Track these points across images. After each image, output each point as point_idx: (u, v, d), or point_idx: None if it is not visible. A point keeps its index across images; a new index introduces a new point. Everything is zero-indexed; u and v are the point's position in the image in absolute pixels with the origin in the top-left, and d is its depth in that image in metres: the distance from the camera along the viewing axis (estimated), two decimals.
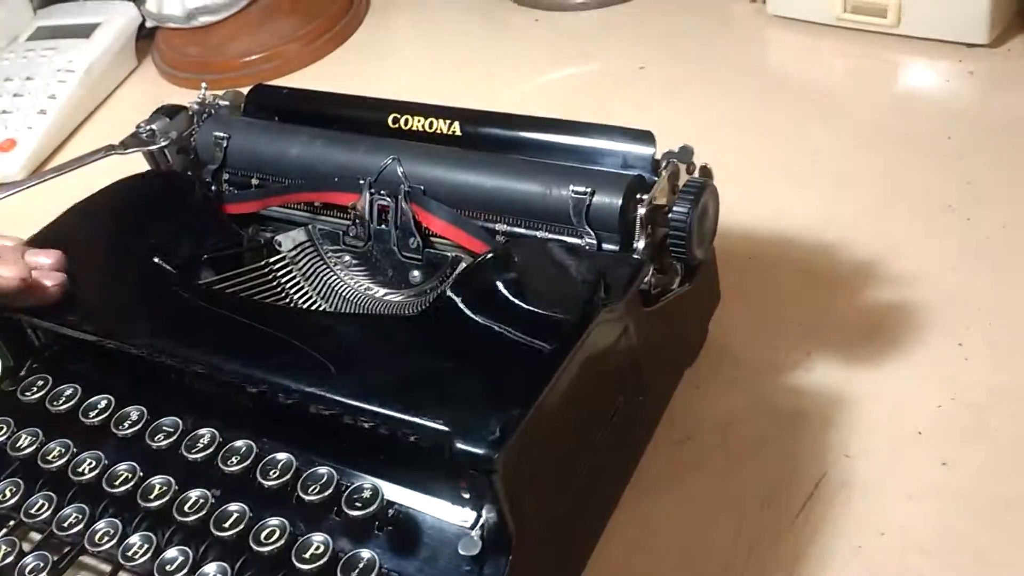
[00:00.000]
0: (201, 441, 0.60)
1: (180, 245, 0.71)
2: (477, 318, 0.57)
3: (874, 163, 0.89)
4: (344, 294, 0.71)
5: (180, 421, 0.62)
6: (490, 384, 0.53)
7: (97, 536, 0.61)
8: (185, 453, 0.60)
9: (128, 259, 0.70)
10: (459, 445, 0.49)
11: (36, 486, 0.65)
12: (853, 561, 0.60)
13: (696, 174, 0.66)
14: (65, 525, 0.62)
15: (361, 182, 0.69)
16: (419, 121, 0.71)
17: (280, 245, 0.73)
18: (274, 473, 0.57)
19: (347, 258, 0.72)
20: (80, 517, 0.62)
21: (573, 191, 0.63)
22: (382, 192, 0.68)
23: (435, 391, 0.54)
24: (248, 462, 0.58)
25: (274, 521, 0.56)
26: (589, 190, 0.62)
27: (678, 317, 0.67)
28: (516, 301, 0.57)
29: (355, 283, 0.71)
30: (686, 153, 0.65)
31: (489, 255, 0.62)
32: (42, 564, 0.61)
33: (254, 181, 0.75)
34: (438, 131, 0.71)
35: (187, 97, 0.83)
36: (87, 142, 1.20)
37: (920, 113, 0.94)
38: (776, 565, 0.60)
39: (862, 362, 0.72)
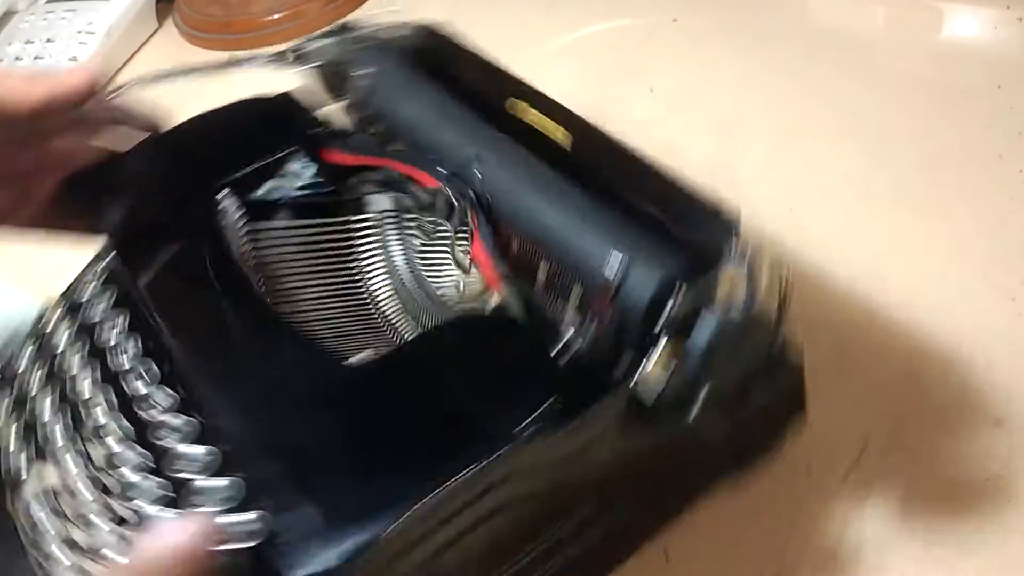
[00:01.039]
0: None
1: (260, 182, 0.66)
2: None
3: (919, 115, 0.86)
4: (402, 277, 0.67)
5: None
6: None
7: None
8: None
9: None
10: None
11: None
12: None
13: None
14: None
15: (440, 170, 0.62)
16: (534, 115, 0.62)
17: (366, 207, 0.69)
18: None
19: (416, 242, 0.68)
20: None
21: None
22: (458, 189, 0.60)
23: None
24: None
25: None
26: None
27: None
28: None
29: (410, 267, 0.67)
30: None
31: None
32: None
33: (371, 130, 0.69)
34: (547, 133, 0.61)
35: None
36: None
37: (966, 63, 0.91)
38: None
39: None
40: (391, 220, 0.67)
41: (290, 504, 0.45)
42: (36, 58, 1.17)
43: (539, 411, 0.45)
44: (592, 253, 0.51)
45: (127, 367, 0.57)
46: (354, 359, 0.57)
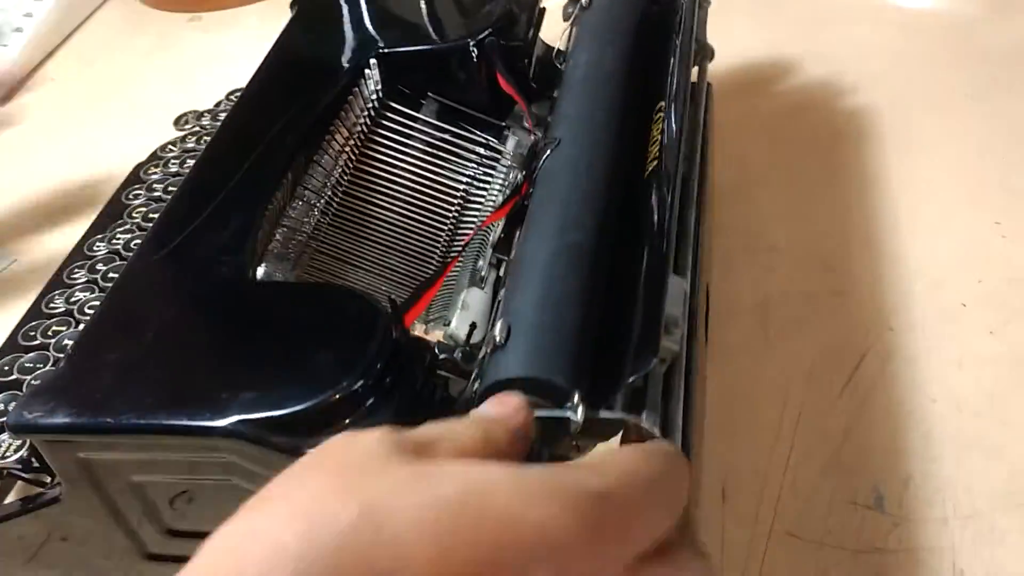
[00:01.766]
0: None
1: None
2: None
3: None
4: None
5: None
6: None
7: None
8: None
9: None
10: None
11: None
12: (904, 427, 0.58)
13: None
14: None
15: (537, 134, 0.61)
16: (658, 130, 0.56)
17: (506, 139, 0.69)
18: None
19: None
20: None
21: None
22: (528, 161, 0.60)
23: None
24: None
25: None
26: None
27: None
28: None
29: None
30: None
31: None
32: None
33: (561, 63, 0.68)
34: (646, 155, 0.56)
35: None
36: (65, 64, 1.16)
37: None
38: (826, 435, 0.58)
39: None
40: (507, 163, 0.67)
41: None
42: None
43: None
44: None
45: None
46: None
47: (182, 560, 0.54)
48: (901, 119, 0.82)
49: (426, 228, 0.68)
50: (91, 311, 0.62)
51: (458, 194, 0.69)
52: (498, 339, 0.46)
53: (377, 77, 0.69)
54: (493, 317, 0.52)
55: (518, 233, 0.56)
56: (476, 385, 0.46)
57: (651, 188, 0.52)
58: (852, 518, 0.56)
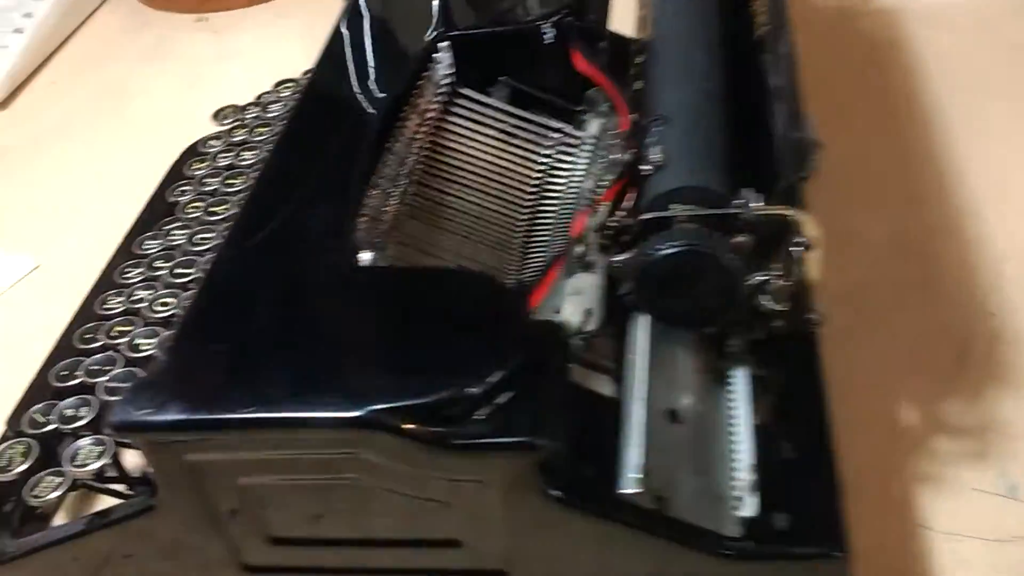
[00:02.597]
0: None
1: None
2: None
3: None
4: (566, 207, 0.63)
5: None
6: None
7: None
8: None
9: None
10: None
11: None
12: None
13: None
14: None
15: (633, 116, 0.58)
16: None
17: (583, 124, 0.65)
18: None
19: (592, 182, 0.63)
20: None
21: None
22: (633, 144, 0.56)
23: None
24: None
25: None
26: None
27: None
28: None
29: (576, 201, 0.63)
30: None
31: None
32: None
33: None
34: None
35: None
36: (66, 65, 1.11)
37: None
38: (942, 424, 0.57)
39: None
40: (589, 148, 0.64)
41: None
42: None
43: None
44: None
45: None
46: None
47: (282, 571, 0.51)
48: (973, 106, 0.81)
49: (503, 216, 0.65)
50: (163, 309, 0.58)
51: (534, 181, 0.65)
52: (656, 160, 0.50)
53: (448, 61, 0.66)
54: (643, 191, 0.51)
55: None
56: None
57: (764, 46, 0.58)
58: (985, 507, 0.53)
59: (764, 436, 0.48)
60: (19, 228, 0.88)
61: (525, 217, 0.66)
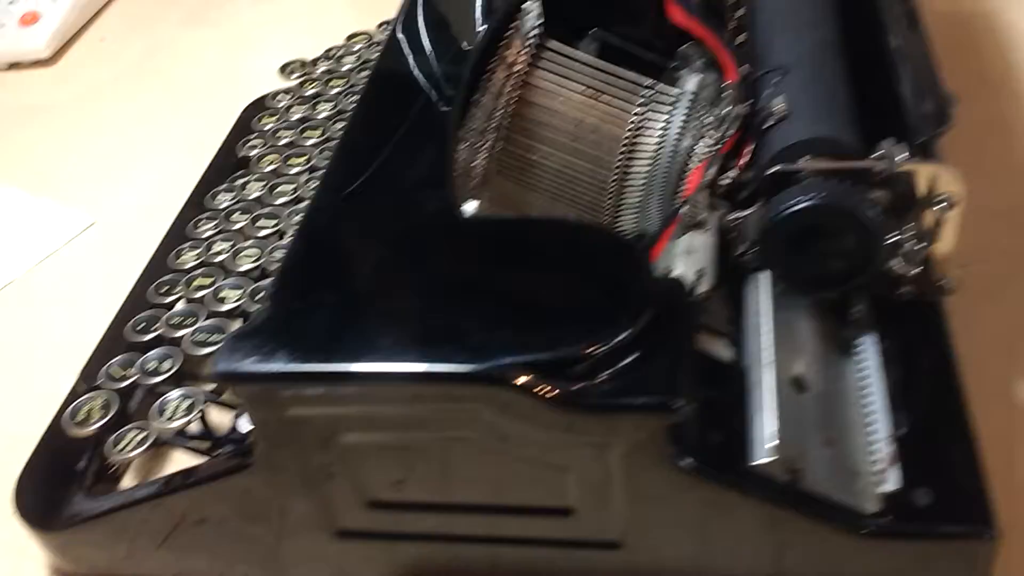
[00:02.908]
0: None
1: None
2: None
3: None
4: (658, 167, 0.60)
5: None
6: None
7: None
8: None
9: None
10: None
11: None
12: None
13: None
14: None
15: (742, 68, 0.55)
16: None
17: (677, 80, 0.62)
18: None
19: (689, 139, 0.60)
20: None
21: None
22: (743, 96, 0.54)
23: None
24: None
25: None
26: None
27: None
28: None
29: (671, 161, 0.59)
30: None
31: None
32: None
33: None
34: None
35: None
36: (115, 22, 1.08)
37: None
38: None
39: None
40: (686, 105, 0.60)
41: None
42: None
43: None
44: None
45: None
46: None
47: (379, 537, 0.48)
48: None
49: (591, 176, 0.62)
50: (246, 261, 0.56)
51: (624, 140, 0.62)
52: (780, 111, 0.49)
53: (537, 11, 0.63)
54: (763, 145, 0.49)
55: None
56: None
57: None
58: None
59: (897, 408, 0.45)
60: (72, 184, 0.85)
61: (615, 177, 0.64)
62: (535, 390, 0.38)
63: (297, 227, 0.47)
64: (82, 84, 1.02)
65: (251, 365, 0.39)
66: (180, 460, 0.57)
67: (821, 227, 0.43)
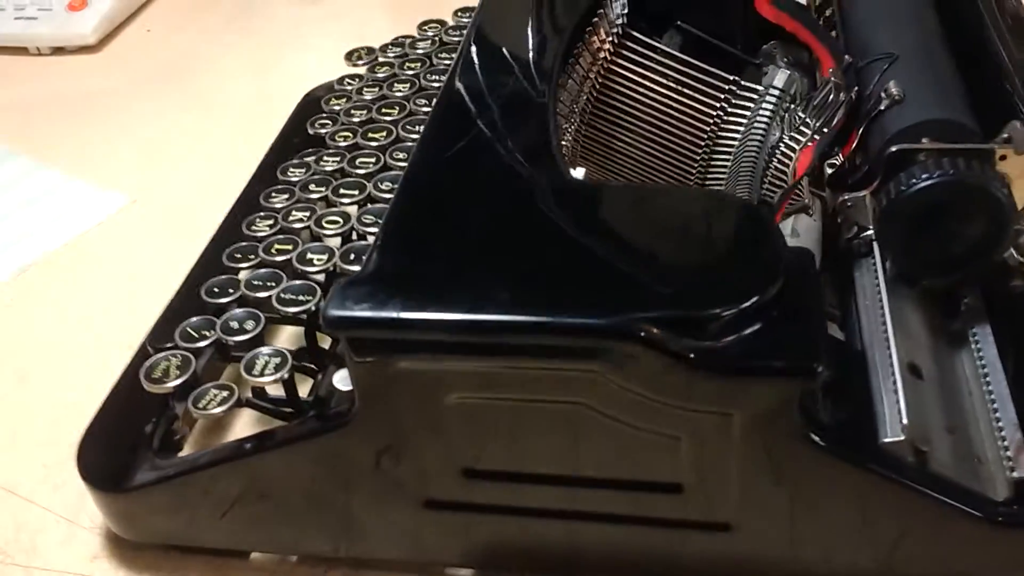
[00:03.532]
0: None
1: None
2: None
3: None
4: (744, 161, 0.59)
5: None
6: None
7: None
8: None
9: None
10: None
11: None
12: None
13: None
14: None
15: (847, 59, 0.54)
16: None
17: (765, 74, 0.62)
18: None
19: (777, 134, 0.59)
20: None
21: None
22: (846, 84, 0.53)
23: None
24: None
25: None
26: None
27: None
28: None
29: (757, 156, 0.59)
30: None
31: None
32: None
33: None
34: None
35: None
36: (161, 14, 1.08)
37: None
38: None
39: None
40: (772, 100, 0.60)
41: None
42: None
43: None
44: None
45: None
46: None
47: (468, 509, 0.46)
48: None
49: (673, 168, 0.61)
50: (332, 227, 0.54)
51: (706, 133, 0.61)
52: (896, 94, 0.47)
53: (622, 1, 0.62)
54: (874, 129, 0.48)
55: None
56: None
57: None
58: None
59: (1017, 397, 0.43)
60: (111, 168, 0.84)
61: (695, 170, 0.63)
62: (664, 347, 0.36)
63: (398, 186, 0.45)
64: (127, 72, 1.01)
65: (364, 311, 0.38)
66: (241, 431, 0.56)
67: (948, 206, 0.42)
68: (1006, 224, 0.42)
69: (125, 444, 0.50)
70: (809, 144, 0.52)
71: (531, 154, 0.46)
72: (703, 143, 0.61)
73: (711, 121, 0.61)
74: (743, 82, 0.62)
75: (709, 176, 0.60)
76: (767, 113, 0.61)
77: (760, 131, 0.61)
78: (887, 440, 0.39)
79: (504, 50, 0.56)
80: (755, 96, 0.61)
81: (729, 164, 0.61)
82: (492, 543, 0.45)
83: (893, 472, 0.38)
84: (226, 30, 1.05)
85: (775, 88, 0.61)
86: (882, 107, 0.47)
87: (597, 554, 0.45)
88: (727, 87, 0.61)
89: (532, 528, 0.44)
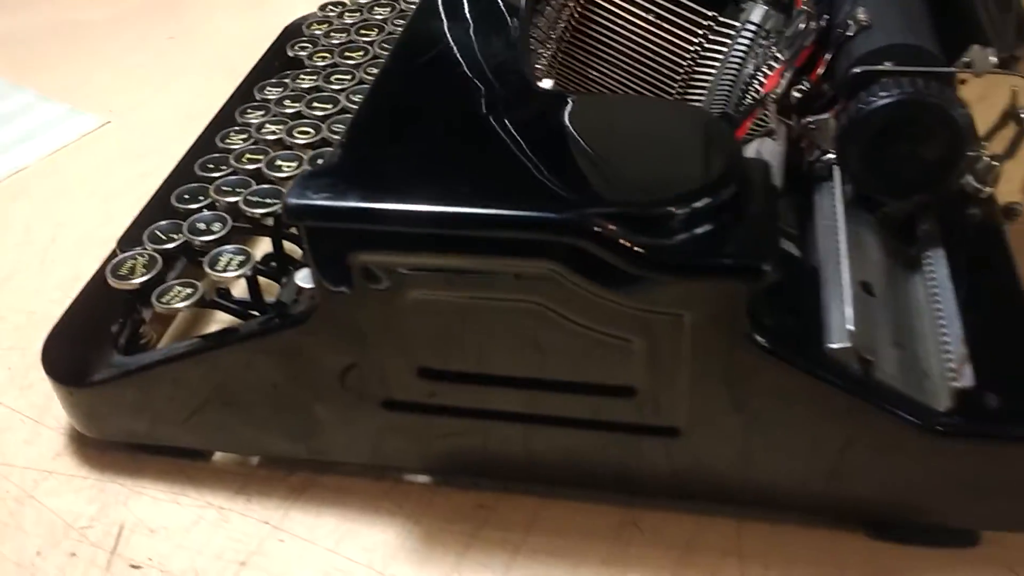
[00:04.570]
0: None
1: None
2: None
3: None
4: (717, 96, 0.60)
5: None
6: None
7: None
8: None
9: None
10: None
11: None
12: None
13: None
14: None
15: None
16: None
17: (740, 13, 0.62)
18: None
19: (750, 67, 0.60)
20: None
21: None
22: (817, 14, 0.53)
23: None
24: None
25: None
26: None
27: None
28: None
29: (730, 89, 0.59)
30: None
31: None
32: None
33: None
34: None
35: None
36: None
37: None
38: None
39: None
40: (748, 35, 0.60)
41: None
42: None
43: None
44: None
45: None
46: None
47: (427, 410, 0.46)
48: None
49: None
50: (303, 136, 0.55)
51: (682, 69, 0.62)
52: (863, 20, 0.47)
53: None
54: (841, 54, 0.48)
55: None
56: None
57: None
58: None
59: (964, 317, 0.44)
60: (89, 92, 0.85)
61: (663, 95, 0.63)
62: (619, 241, 0.37)
63: (367, 89, 0.46)
64: (115, 7, 1.01)
65: (324, 200, 0.38)
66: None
67: (907, 124, 0.43)
68: (962, 145, 0.42)
69: (91, 343, 0.50)
70: (777, 68, 0.53)
71: (499, 65, 0.46)
72: (679, 77, 0.62)
73: (689, 56, 0.62)
74: (721, 19, 0.63)
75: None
76: (743, 48, 0.61)
77: (735, 65, 0.62)
78: (832, 346, 0.40)
79: None
80: (732, 32, 0.62)
81: (704, 98, 0.62)
82: (449, 449, 0.46)
83: (836, 377, 0.39)
84: None
85: (751, 23, 0.62)
86: (849, 33, 0.48)
87: (552, 461, 0.46)
88: (706, 23, 0.62)
89: (489, 432, 0.45)
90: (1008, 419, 0.40)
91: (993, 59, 0.43)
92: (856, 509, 0.44)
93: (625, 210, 0.37)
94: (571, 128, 0.42)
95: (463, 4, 0.53)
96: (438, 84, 0.45)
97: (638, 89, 0.62)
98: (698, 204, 0.37)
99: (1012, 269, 0.47)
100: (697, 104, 0.61)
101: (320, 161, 0.51)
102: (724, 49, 0.62)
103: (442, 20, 0.51)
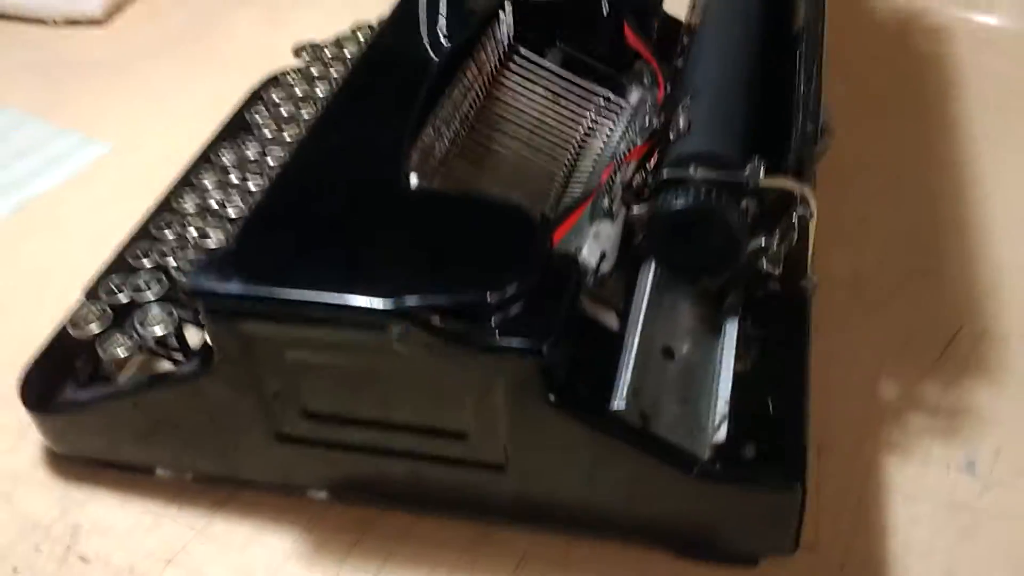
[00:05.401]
0: None
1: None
2: None
3: None
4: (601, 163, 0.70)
5: None
6: None
7: None
8: None
9: None
10: None
11: None
12: (995, 401, 0.61)
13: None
14: None
15: (668, 91, 0.67)
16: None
17: (628, 92, 0.74)
18: None
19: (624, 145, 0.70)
20: None
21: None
22: (665, 116, 0.62)
23: None
24: None
25: None
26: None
27: None
28: None
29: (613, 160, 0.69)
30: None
31: None
32: None
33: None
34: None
35: None
36: None
37: None
38: (919, 402, 0.62)
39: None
40: (628, 115, 0.72)
41: None
42: None
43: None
44: None
45: None
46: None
47: (308, 443, 0.58)
48: (1003, 125, 0.87)
49: (544, 169, 0.71)
50: (233, 210, 0.66)
51: (576, 140, 0.72)
52: (682, 128, 0.57)
53: (510, 21, 0.73)
54: (667, 153, 0.57)
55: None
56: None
57: (799, 41, 0.65)
58: (943, 478, 0.59)
59: (748, 382, 0.54)
60: (101, 127, 0.96)
61: (564, 172, 0.73)
62: (433, 328, 0.47)
63: (274, 175, 0.57)
64: (129, 46, 1.12)
65: (212, 284, 0.49)
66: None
67: (695, 224, 0.52)
68: (737, 242, 0.52)
69: (60, 375, 0.62)
70: (623, 157, 0.63)
71: (384, 161, 0.57)
72: (573, 152, 0.72)
73: (582, 130, 0.72)
74: (613, 97, 0.73)
75: (571, 180, 0.71)
76: (622, 126, 0.71)
77: (615, 142, 0.71)
78: (614, 407, 0.50)
79: (393, 61, 0.67)
80: (619, 109, 0.72)
81: (591, 170, 0.72)
82: (332, 474, 0.57)
83: (613, 431, 0.49)
84: (225, 8, 1.16)
85: (627, 104, 0.72)
86: (673, 136, 0.57)
87: (411, 486, 0.57)
88: (599, 101, 0.72)
89: (358, 463, 0.56)
90: (754, 466, 0.50)
91: (761, 171, 0.52)
92: (660, 532, 0.55)
93: (440, 300, 0.47)
94: (416, 223, 0.53)
95: (378, 84, 0.64)
96: (328, 178, 0.56)
97: (535, 158, 0.72)
98: (498, 296, 0.48)
99: (803, 338, 0.57)
100: (586, 173, 0.71)
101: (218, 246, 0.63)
102: (611, 123, 0.72)
103: (355, 100, 0.63)
